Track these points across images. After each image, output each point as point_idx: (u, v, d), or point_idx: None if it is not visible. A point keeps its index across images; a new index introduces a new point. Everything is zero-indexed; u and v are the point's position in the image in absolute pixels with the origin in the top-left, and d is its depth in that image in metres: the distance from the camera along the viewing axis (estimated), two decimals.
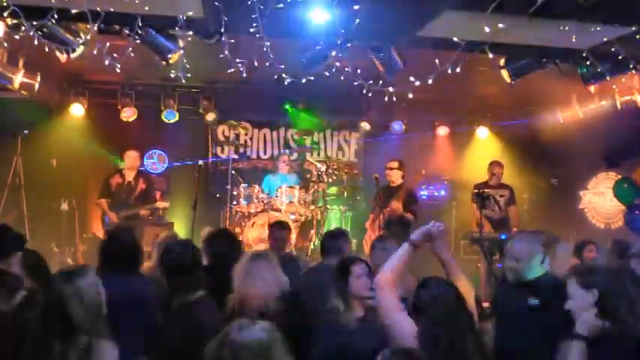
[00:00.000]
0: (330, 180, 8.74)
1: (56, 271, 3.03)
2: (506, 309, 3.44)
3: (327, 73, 6.39)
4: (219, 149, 9.83)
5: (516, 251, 3.44)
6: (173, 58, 5.54)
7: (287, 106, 9.66)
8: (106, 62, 5.68)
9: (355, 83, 6.95)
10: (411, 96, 7.03)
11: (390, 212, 7.05)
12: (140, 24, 5.04)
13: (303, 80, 6.34)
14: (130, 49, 5.80)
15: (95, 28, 4.95)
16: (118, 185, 7.54)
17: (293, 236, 7.27)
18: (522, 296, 3.31)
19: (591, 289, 2.79)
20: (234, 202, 8.29)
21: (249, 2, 4.46)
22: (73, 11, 4.77)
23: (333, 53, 5.47)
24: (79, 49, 5.39)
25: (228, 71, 6.58)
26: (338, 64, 6.09)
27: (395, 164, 7.36)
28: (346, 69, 6.42)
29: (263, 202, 8.04)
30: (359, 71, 6.56)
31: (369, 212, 7.73)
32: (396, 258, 2.93)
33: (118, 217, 7.29)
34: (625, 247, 4.99)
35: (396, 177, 7.31)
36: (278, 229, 5.31)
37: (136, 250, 3.69)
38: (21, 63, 7.10)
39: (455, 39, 5.15)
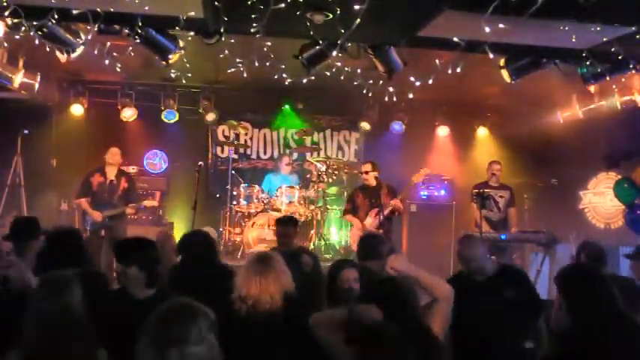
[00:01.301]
0: (330, 180, 8.73)
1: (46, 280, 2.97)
2: (483, 305, 3.63)
3: (328, 73, 6.41)
4: (219, 149, 9.83)
5: (474, 252, 3.86)
6: (173, 58, 5.53)
7: (287, 106, 9.67)
8: (106, 62, 5.70)
9: (355, 83, 6.98)
10: (411, 96, 7.09)
11: (393, 209, 6.98)
12: (140, 24, 5.03)
13: (304, 80, 6.35)
14: (130, 49, 5.82)
15: (95, 28, 4.95)
16: (99, 184, 7.26)
17: None
18: (496, 290, 3.73)
19: None
20: (234, 202, 8.30)
21: (249, 2, 4.45)
22: (73, 11, 4.77)
23: (334, 53, 5.47)
24: (79, 49, 5.38)
25: (228, 71, 6.64)
26: (338, 64, 6.10)
27: (369, 167, 7.16)
28: (346, 69, 6.44)
29: (263, 202, 8.05)
30: (359, 71, 6.59)
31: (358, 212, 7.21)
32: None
33: (102, 216, 7.06)
34: (596, 251, 4.89)
35: (371, 179, 7.18)
36: (280, 225, 5.28)
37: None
38: (21, 63, 7.11)
39: (455, 39, 5.15)
